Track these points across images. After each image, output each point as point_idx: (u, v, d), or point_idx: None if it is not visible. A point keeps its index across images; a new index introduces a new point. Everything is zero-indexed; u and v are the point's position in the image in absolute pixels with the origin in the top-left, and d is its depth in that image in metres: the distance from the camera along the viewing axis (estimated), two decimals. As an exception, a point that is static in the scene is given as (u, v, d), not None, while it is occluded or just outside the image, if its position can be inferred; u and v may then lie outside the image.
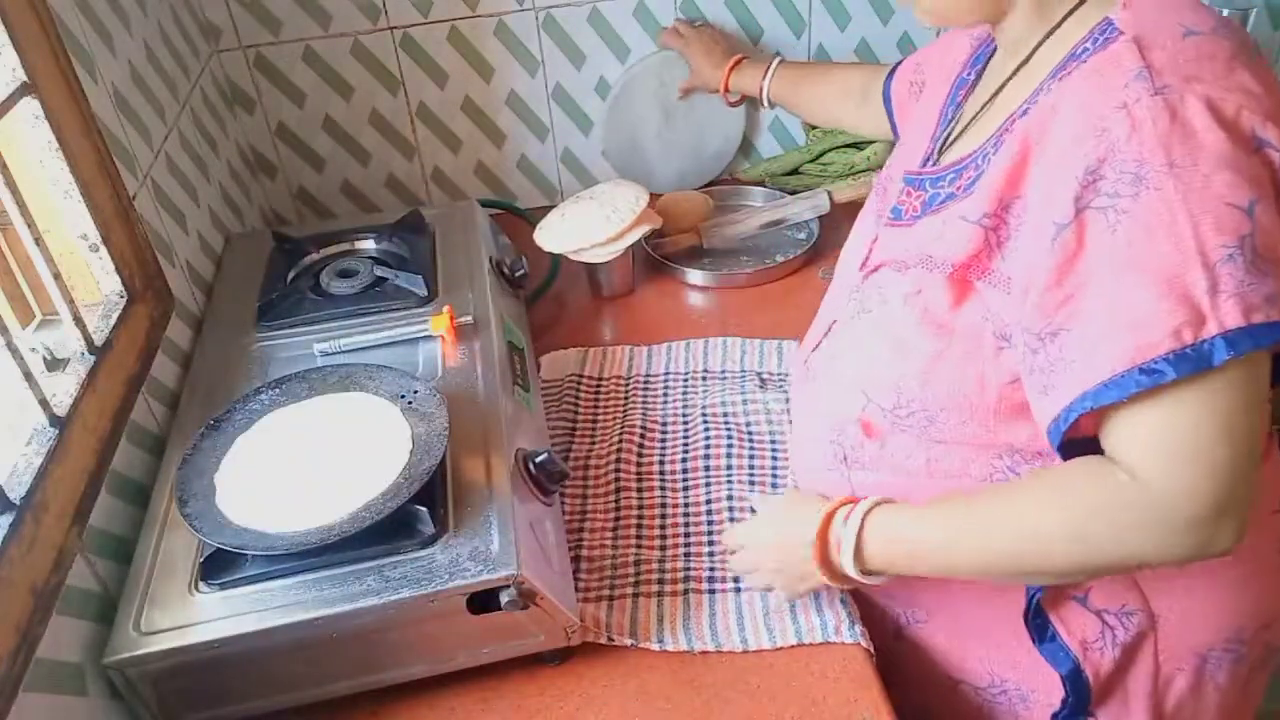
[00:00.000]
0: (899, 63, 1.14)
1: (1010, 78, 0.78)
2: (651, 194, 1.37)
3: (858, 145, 1.55)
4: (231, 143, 1.41)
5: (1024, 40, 0.76)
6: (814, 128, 1.61)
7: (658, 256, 1.41)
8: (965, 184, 0.77)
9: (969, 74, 0.88)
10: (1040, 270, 0.68)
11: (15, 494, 0.73)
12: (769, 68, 1.34)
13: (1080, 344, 0.66)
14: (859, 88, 1.22)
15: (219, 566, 0.80)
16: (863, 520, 0.79)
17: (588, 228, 1.29)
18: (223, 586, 0.79)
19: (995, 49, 0.85)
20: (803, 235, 1.45)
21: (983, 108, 0.81)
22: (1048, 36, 0.74)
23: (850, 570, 0.80)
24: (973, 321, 0.75)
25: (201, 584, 0.80)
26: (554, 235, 1.32)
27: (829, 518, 0.81)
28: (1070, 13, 0.73)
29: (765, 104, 1.37)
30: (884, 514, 0.79)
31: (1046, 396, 0.70)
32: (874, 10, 1.53)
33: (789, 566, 0.84)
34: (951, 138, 0.85)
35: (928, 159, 0.86)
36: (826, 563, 0.82)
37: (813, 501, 0.84)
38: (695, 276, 1.38)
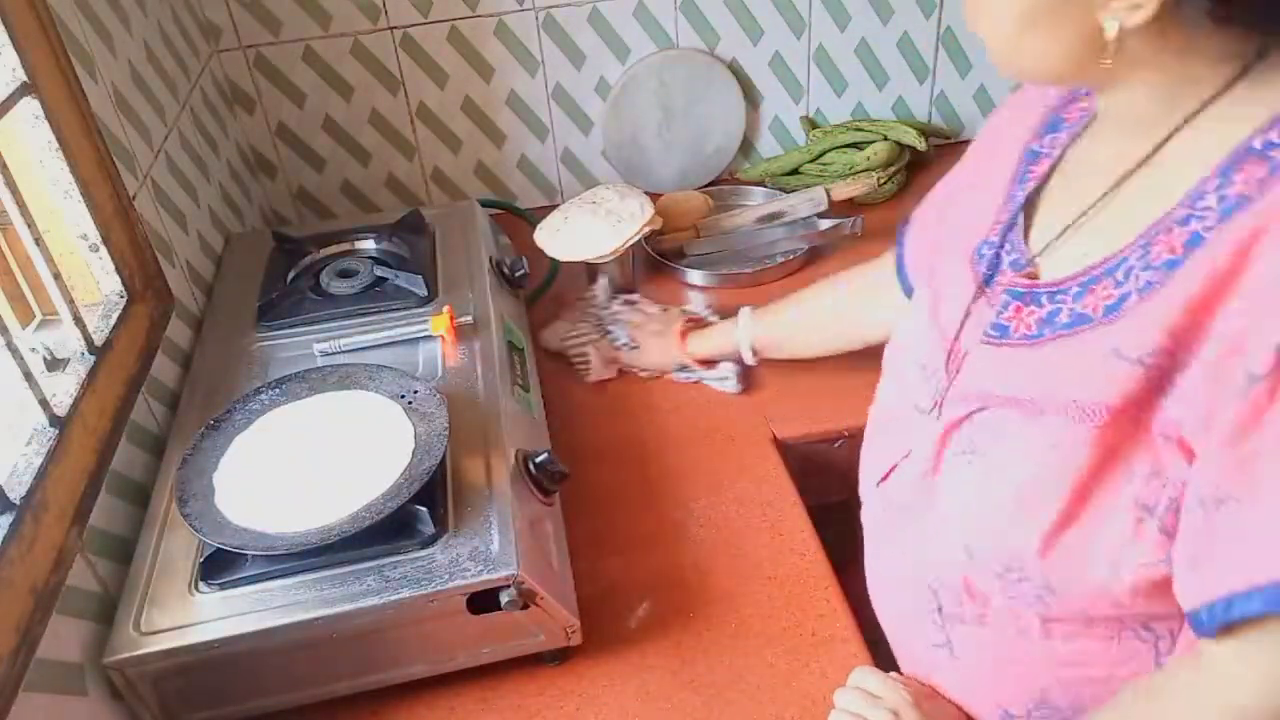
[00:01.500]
0: (903, 228, 0.97)
1: (1137, 168, 0.64)
2: (651, 194, 1.37)
3: (858, 145, 1.55)
4: (231, 143, 1.41)
5: (1149, 121, 0.62)
6: (815, 127, 1.61)
7: (658, 256, 1.41)
8: (1104, 304, 0.62)
9: (1042, 145, 0.74)
10: (1218, 422, 0.56)
11: (15, 494, 0.73)
12: (738, 323, 1.13)
13: (1256, 522, 0.54)
14: (867, 287, 1.03)
15: (219, 566, 0.80)
16: None
17: (593, 238, 1.28)
18: (223, 586, 0.79)
19: (1082, 118, 0.72)
20: (803, 235, 1.45)
21: (1099, 200, 0.66)
22: (1188, 121, 0.61)
23: None
24: (1114, 484, 0.61)
25: (201, 584, 0.80)
26: (557, 240, 1.31)
27: None
28: (1221, 92, 0.59)
29: (748, 358, 1.14)
30: None
31: (1196, 572, 0.58)
32: (874, 10, 1.53)
33: None
34: (1037, 229, 0.71)
35: (998, 252, 0.72)
36: None
37: None
38: (695, 276, 1.38)
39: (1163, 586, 0.61)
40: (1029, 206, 0.72)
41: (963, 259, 0.75)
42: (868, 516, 0.86)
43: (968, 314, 0.72)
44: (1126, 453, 0.61)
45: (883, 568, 0.84)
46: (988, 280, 0.72)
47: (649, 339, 1.21)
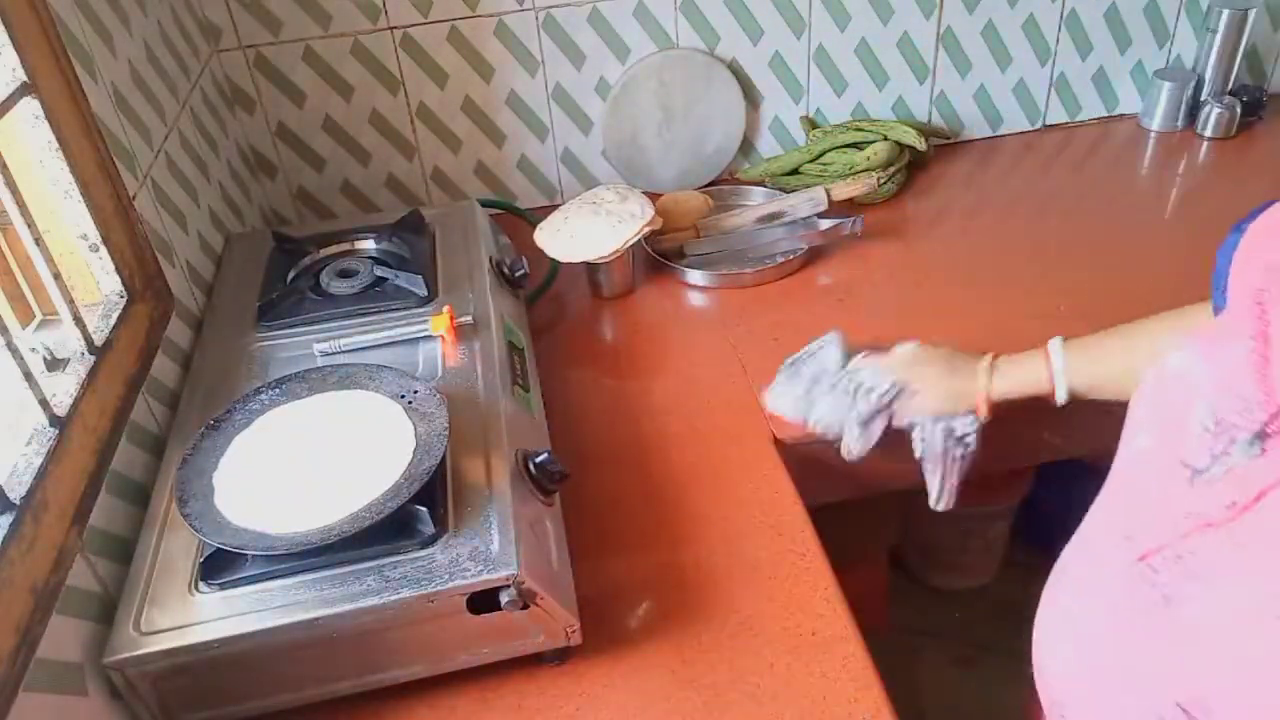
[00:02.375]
0: (1235, 235, 0.72)
1: None
2: (651, 194, 1.37)
3: (858, 145, 1.55)
4: (231, 143, 1.41)
5: None
6: (815, 126, 1.61)
7: (658, 256, 1.41)
8: None
9: None
10: None
11: (15, 494, 0.73)
12: (1049, 353, 0.93)
13: None
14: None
15: (219, 566, 0.80)
16: None
17: (593, 238, 1.29)
18: (223, 586, 0.79)
19: None
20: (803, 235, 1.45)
21: None
22: None
23: None
24: None
25: (201, 584, 0.80)
26: (557, 240, 1.31)
27: None
28: None
29: (1061, 398, 0.93)
30: None
31: None
32: (874, 10, 1.53)
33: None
34: None
35: None
36: None
37: None
38: (695, 276, 1.38)
39: None
40: None
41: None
42: (1091, 575, 0.70)
43: None
44: None
45: (1093, 643, 0.68)
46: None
47: (933, 379, 0.97)
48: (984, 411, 0.95)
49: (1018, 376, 0.94)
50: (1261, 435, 0.57)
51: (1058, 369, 0.91)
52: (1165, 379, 0.67)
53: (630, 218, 1.30)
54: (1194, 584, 0.59)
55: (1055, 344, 0.93)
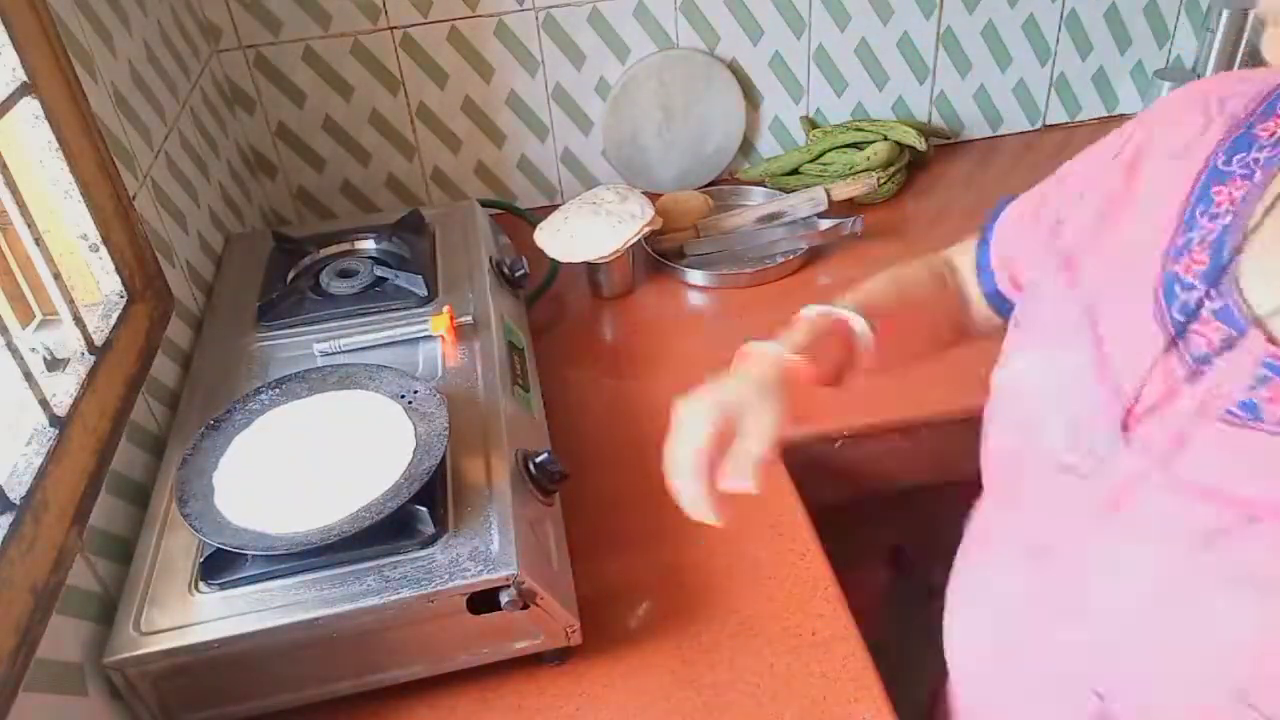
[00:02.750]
0: (992, 220, 0.81)
1: None
2: (651, 194, 1.37)
3: (858, 145, 1.55)
4: (231, 143, 1.41)
5: None
6: (815, 126, 1.61)
7: (658, 256, 1.41)
8: None
9: (1232, 164, 0.60)
10: None
11: (15, 494, 0.73)
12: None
13: None
14: (938, 271, 0.87)
15: (219, 566, 0.80)
16: None
17: (593, 238, 1.29)
18: (223, 586, 0.79)
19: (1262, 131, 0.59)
20: (803, 235, 1.45)
21: None
22: None
23: None
24: None
25: (201, 584, 0.80)
26: (557, 240, 1.31)
27: None
28: None
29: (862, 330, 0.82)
30: None
31: None
32: (874, 10, 1.53)
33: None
34: (1251, 278, 0.56)
35: (1201, 299, 0.57)
36: None
37: None
38: (695, 276, 1.38)
39: None
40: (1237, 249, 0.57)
41: (1139, 297, 0.60)
42: (988, 575, 0.73)
43: (1151, 369, 0.58)
44: None
45: (1000, 634, 0.71)
46: (1182, 332, 0.57)
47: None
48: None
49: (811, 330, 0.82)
50: (1123, 428, 0.59)
51: (842, 304, 0.82)
52: (1020, 382, 0.68)
53: (630, 218, 1.30)
54: (1088, 576, 0.61)
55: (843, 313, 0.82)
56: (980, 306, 0.84)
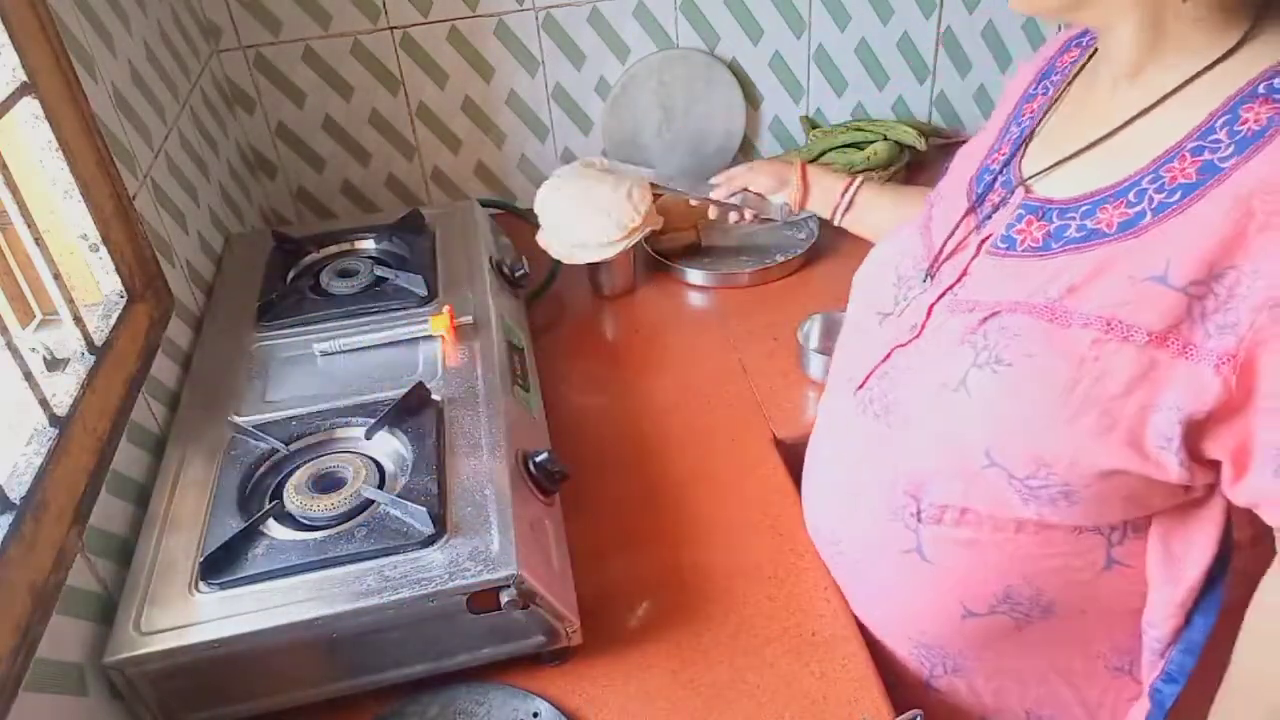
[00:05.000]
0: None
1: (1141, 114, 0.67)
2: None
3: (858, 145, 1.55)
4: (231, 143, 1.41)
5: (1147, 73, 0.67)
6: (815, 126, 1.61)
7: (658, 256, 1.41)
8: (1119, 221, 0.66)
9: (1037, 88, 0.81)
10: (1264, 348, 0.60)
11: (15, 494, 0.73)
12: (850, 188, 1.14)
13: None
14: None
15: (219, 566, 0.80)
16: None
17: (594, 238, 1.28)
18: (223, 586, 0.79)
19: (1073, 64, 0.78)
20: (803, 235, 1.45)
21: (1104, 138, 0.69)
22: (1188, 83, 0.65)
23: None
24: (1141, 405, 0.65)
25: (201, 584, 0.80)
26: (559, 241, 1.31)
27: None
28: (1218, 61, 0.64)
29: (841, 211, 1.14)
30: None
31: None
32: (874, 10, 1.53)
33: None
34: (1030, 159, 0.76)
35: (996, 178, 0.78)
36: None
37: None
38: (695, 276, 1.38)
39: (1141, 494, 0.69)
40: (1025, 140, 0.78)
41: (959, 185, 0.82)
42: (830, 426, 0.92)
43: (955, 228, 0.79)
44: (1157, 375, 0.64)
45: (841, 476, 0.89)
46: (980, 200, 0.79)
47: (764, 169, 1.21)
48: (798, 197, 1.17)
49: (822, 185, 1.16)
50: (928, 274, 0.80)
51: (844, 202, 1.13)
52: (870, 262, 0.92)
53: (623, 210, 1.30)
54: (897, 391, 0.79)
55: (857, 183, 1.13)
56: None
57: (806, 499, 0.99)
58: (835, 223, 1.15)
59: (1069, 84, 0.78)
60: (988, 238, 0.75)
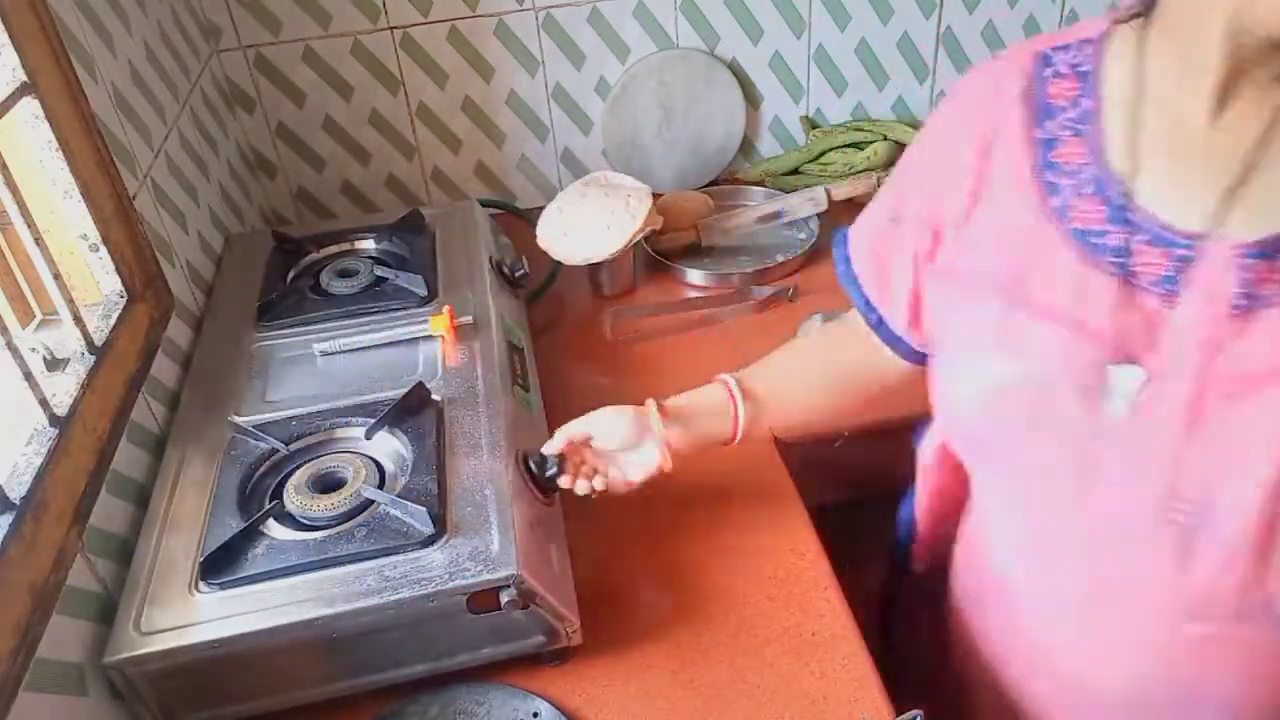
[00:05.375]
0: (843, 255, 0.84)
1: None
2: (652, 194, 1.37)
3: (858, 145, 1.56)
4: (231, 143, 1.41)
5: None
6: (815, 126, 1.61)
7: (658, 256, 1.41)
8: None
9: (1046, 132, 0.66)
10: None
11: (15, 494, 0.73)
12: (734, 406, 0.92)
13: None
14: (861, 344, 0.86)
15: (219, 566, 0.80)
16: None
17: (594, 238, 1.28)
18: (223, 586, 0.79)
19: (1081, 92, 0.65)
20: (803, 235, 1.45)
21: (1260, 154, 0.58)
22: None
23: None
24: None
25: (201, 584, 0.80)
26: (559, 241, 1.31)
27: None
28: None
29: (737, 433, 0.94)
30: None
31: None
32: (874, 10, 1.53)
33: None
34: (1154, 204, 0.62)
35: (1128, 238, 0.62)
36: None
37: None
38: (695, 276, 1.38)
39: None
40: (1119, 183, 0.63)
41: (1065, 271, 0.65)
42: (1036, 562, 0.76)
43: (1116, 309, 0.63)
44: None
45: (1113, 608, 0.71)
46: (1124, 268, 0.63)
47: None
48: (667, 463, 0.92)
49: (697, 428, 0.93)
50: (1124, 361, 0.63)
51: (741, 419, 0.92)
52: (1005, 390, 0.69)
53: (624, 202, 1.30)
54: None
55: (736, 395, 0.92)
56: (892, 359, 0.84)
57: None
58: (737, 435, 0.92)
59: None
60: (1210, 297, 0.60)
